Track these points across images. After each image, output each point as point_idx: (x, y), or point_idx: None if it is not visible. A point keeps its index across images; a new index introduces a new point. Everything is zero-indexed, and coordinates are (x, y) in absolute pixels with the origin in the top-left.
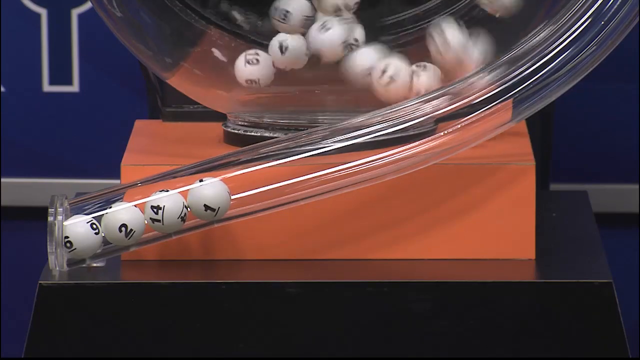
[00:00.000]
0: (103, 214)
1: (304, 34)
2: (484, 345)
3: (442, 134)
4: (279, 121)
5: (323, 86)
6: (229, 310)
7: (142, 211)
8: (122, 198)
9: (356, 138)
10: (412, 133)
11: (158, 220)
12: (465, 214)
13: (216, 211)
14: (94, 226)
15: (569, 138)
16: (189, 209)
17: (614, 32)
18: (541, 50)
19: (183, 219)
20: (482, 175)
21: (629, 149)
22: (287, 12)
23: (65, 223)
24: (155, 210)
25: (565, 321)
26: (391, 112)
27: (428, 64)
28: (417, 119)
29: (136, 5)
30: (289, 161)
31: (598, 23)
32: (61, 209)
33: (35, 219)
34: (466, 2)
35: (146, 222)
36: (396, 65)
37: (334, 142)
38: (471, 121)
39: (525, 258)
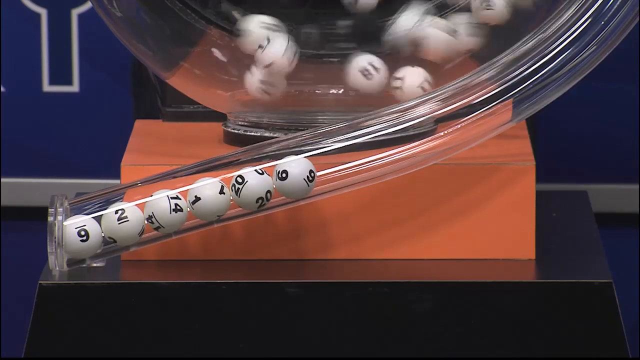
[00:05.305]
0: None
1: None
2: (484, 345)
3: (442, 134)
4: (279, 121)
5: (323, 86)
6: (229, 310)
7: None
8: (122, 198)
9: (356, 138)
10: (412, 133)
11: (159, 227)
12: (465, 214)
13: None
14: (82, 233)
15: (569, 138)
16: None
17: (614, 32)
18: (541, 50)
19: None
20: (482, 175)
21: (629, 149)
22: None
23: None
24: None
25: (565, 321)
26: (391, 112)
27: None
28: (417, 119)
29: (136, 5)
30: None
31: (598, 23)
32: (61, 209)
33: (35, 219)
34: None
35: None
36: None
37: (334, 142)
38: (471, 121)
39: (525, 258)
